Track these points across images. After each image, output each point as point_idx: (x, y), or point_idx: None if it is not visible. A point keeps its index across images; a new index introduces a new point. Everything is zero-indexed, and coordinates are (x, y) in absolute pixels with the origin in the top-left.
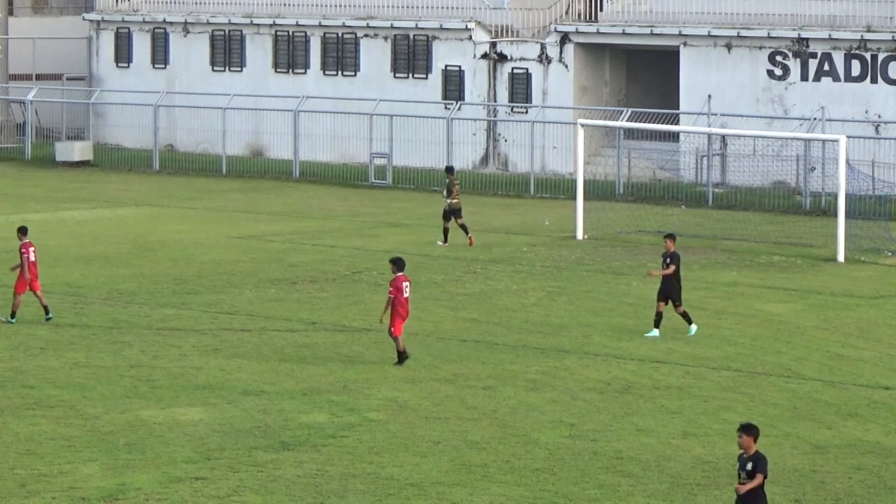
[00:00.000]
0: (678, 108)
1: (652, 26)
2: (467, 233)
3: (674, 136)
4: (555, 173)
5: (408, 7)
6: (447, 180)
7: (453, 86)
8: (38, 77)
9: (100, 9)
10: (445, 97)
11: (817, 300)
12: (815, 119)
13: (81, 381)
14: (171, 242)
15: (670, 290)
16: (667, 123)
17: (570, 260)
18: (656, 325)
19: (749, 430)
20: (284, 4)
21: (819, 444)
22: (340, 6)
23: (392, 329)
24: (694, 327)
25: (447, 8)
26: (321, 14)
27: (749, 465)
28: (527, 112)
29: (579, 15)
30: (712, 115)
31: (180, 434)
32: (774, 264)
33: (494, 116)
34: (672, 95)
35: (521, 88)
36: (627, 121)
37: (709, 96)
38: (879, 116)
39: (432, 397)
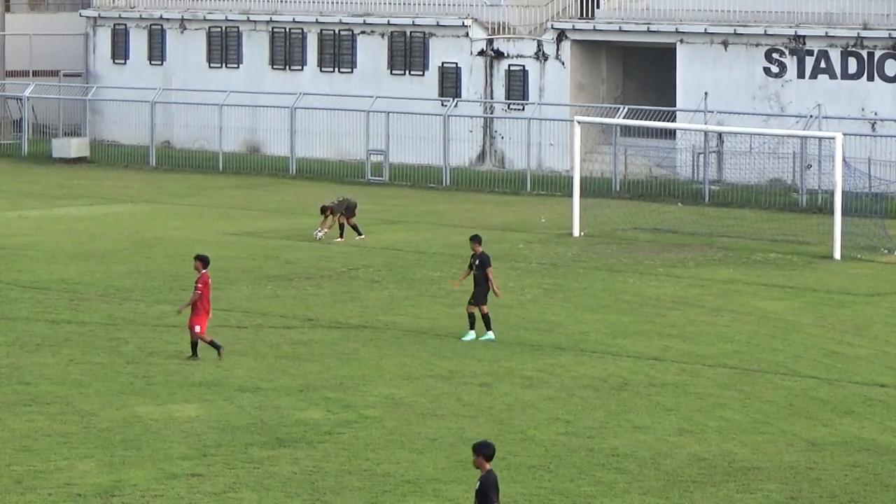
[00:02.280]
0: (675, 106)
1: (648, 24)
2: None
3: (670, 134)
4: (551, 170)
5: (404, 4)
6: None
7: (450, 83)
8: (35, 73)
9: (96, 5)
10: (442, 94)
11: (813, 298)
12: (811, 116)
13: (78, 378)
14: (167, 239)
15: (478, 291)
16: (663, 121)
17: (566, 257)
18: (471, 327)
19: (478, 449)
20: (281, 1)
21: (815, 442)
22: (337, 3)
23: (197, 326)
24: (490, 334)
25: (444, 5)
26: (318, 11)
27: (478, 485)
28: (523, 109)
29: (576, 12)
30: (709, 112)
31: (176, 431)
32: (771, 262)
33: (491, 113)
34: (668, 93)
35: (517, 86)
36: (624, 118)
37: (705, 94)
38: (876, 114)
39: (428, 394)
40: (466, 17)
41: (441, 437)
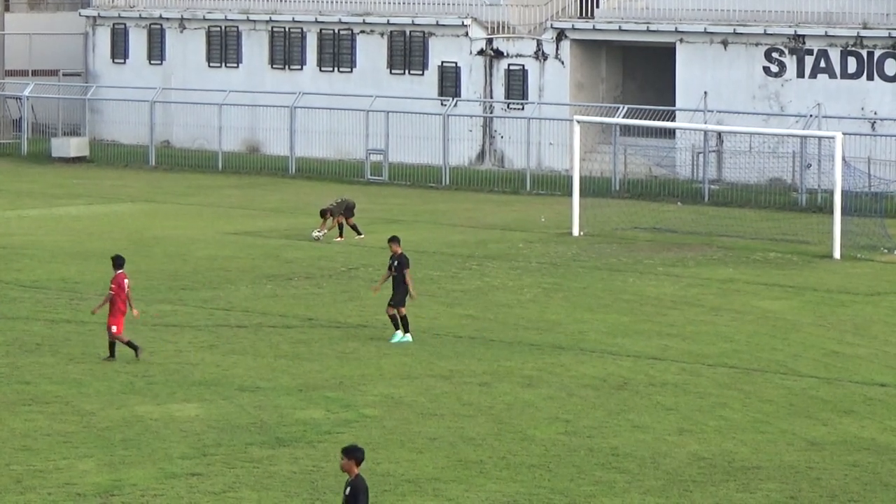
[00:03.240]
0: (674, 105)
1: (648, 23)
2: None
3: (670, 133)
4: (551, 170)
5: (404, 3)
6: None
7: (449, 82)
8: (35, 73)
9: (96, 5)
10: (442, 94)
11: (813, 297)
12: (811, 116)
13: (77, 378)
14: (166, 238)
15: (396, 294)
16: (663, 120)
17: (566, 256)
18: (396, 328)
19: (350, 452)
20: (281, 0)
21: (815, 441)
22: (337, 2)
23: (114, 326)
24: (408, 337)
25: (443, 4)
26: (317, 10)
27: (348, 490)
28: (523, 109)
29: (575, 12)
30: (708, 111)
31: (176, 430)
32: (770, 261)
33: (491, 113)
34: (668, 92)
35: (517, 85)
36: (623, 118)
37: (705, 93)
38: (875, 113)
39: (428, 393)
40: (466, 17)
41: (441, 436)
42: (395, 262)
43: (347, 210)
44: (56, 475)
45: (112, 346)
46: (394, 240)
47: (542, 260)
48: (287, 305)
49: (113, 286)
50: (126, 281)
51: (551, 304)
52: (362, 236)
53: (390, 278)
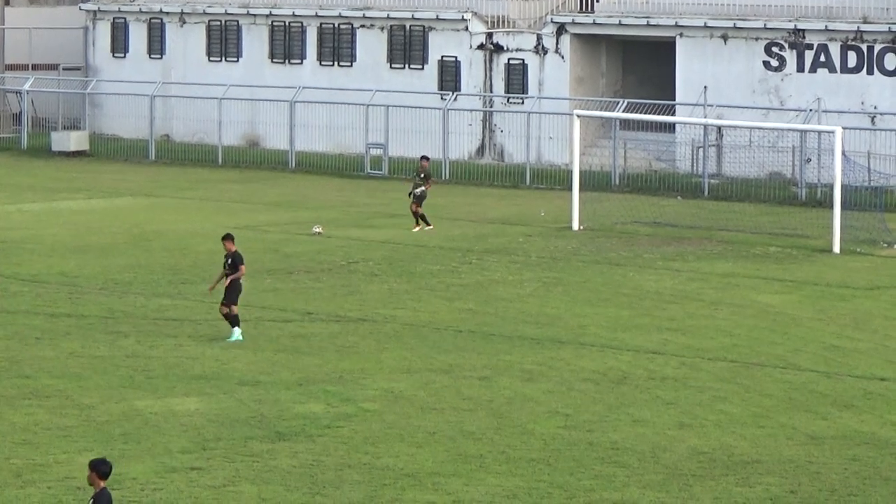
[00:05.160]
0: (674, 100)
1: (648, 17)
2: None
3: (670, 127)
4: (551, 164)
5: None
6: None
7: (449, 76)
8: (35, 67)
9: None
10: (441, 88)
11: (813, 291)
12: (811, 110)
13: (77, 371)
14: (166, 232)
15: (230, 292)
16: (663, 114)
17: (565, 250)
18: (235, 324)
19: (94, 466)
20: None
21: (814, 435)
22: None
23: None
24: (237, 332)
25: None
26: (317, 4)
27: (91, 502)
28: (523, 103)
29: (575, 6)
30: (708, 106)
31: (176, 424)
32: (770, 255)
33: (490, 107)
34: (668, 86)
35: (517, 79)
36: (623, 112)
37: (705, 87)
38: (875, 108)
39: (428, 388)
40: (466, 11)
41: (440, 430)
42: (229, 260)
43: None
44: (56, 469)
45: None
46: (227, 237)
47: (542, 254)
48: (287, 299)
49: None
50: None
51: (551, 298)
52: (430, 227)
53: (223, 277)
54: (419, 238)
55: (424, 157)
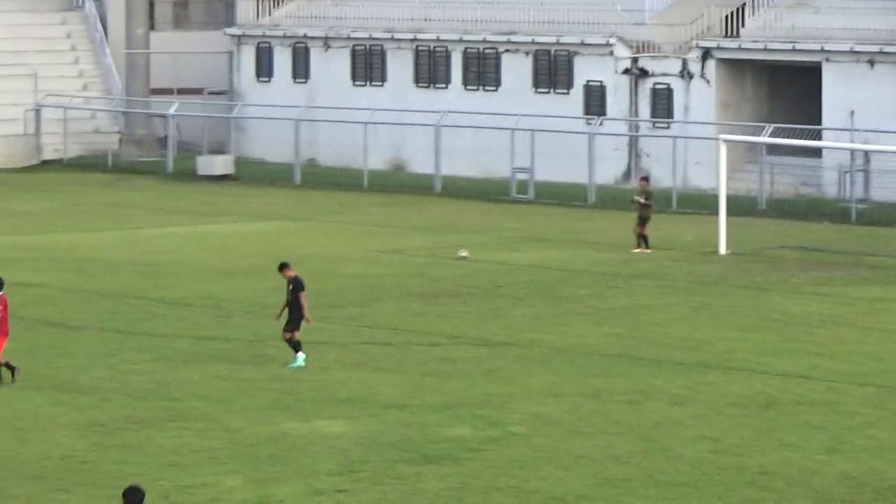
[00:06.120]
0: (821, 124)
1: (794, 42)
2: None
3: (816, 152)
4: (697, 188)
5: (549, 23)
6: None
7: (595, 101)
8: (180, 91)
9: (241, 23)
10: (587, 112)
11: None
12: None
13: (224, 394)
14: (312, 256)
15: (291, 318)
16: (809, 139)
17: (712, 275)
18: (298, 350)
19: (125, 495)
20: (425, 19)
21: None
22: (482, 21)
23: None
24: (300, 357)
25: (589, 23)
26: (462, 29)
27: None
28: (668, 127)
29: (721, 31)
30: (855, 130)
31: (323, 447)
32: None
33: (636, 132)
34: (815, 111)
35: (662, 104)
36: (770, 136)
37: (851, 112)
38: None
39: (575, 411)
40: (611, 36)
41: (588, 454)
42: (291, 287)
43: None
44: (203, 491)
45: None
46: (284, 266)
47: (689, 278)
48: (433, 323)
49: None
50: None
51: (698, 322)
52: (648, 251)
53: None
54: (565, 262)
55: (644, 178)
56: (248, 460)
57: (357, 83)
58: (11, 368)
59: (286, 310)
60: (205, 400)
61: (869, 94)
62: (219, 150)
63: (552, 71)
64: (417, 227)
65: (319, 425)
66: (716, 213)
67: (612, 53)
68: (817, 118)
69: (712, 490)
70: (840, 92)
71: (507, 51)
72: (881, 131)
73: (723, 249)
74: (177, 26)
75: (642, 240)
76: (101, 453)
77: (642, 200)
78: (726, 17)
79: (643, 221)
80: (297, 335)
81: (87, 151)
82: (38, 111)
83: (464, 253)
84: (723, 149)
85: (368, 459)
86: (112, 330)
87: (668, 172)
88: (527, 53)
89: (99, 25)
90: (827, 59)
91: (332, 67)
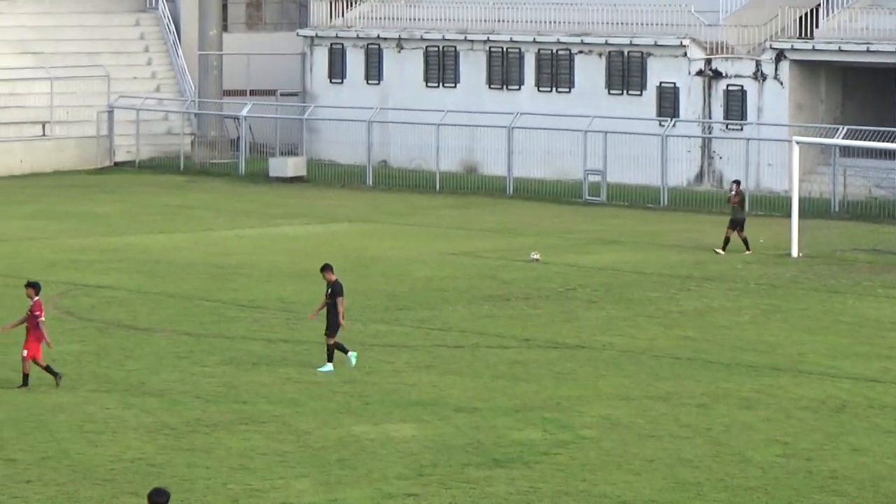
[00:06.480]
0: (895, 126)
1: (868, 43)
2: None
3: (890, 154)
4: (770, 190)
5: (622, 24)
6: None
7: (668, 102)
8: (252, 93)
9: (314, 25)
10: (660, 114)
11: None
12: None
13: (294, 397)
14: (384, 258)
15: (331, 323)
16: (884, 141)
17: (784, 278)
18: (342, 352)
19: (150, 497)
20: (499, 21)
21: None
22: (555, 23)
23: (25, 351)
24: (329, 366)
25: (662, 25)
26: (535, 31)
27: None
28: (742, 129)
29: (795, 32)
30: None
31: (392, 450)
32: None
33: (709, 133)
34: (889, 113)
35: (735, 105)
36: (843, 138)
37: None
38: None
39: (646, 415)
40: (685, 37)
41: (658, 458)
42: (329, 290)
43: (734, 223)
44: (273, 495)
45: (26, 376)
46: (326, 268)
47: (761, 281)
48: (504, 326)
49: (38, 313)
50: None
51: (770, 325)
52: (748, 252)
53: (325, 307)
54: (637, 265)
55: (736, 181)
56: (318, 464)
57: (430, 84)
58: (54, 374)
59: (324, 312)
60: (275, 403)
61: None
62: (291, 151)
63: (625, 72)
64: (489, 230)
65: (389, 429)
66: (788, 215)
67: (685, 55)
68: (891, 120)
69: (782, 494)
70: None
71: (580, 52)
72: None
73: (795, 252)
74: (250, 27)
75: (744, 242)
76: (170, 456)
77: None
78: (800, 18)
79: (735, 225)
80: (331, 341)
81: (159, 153)
82: (110, 113)
83: (535, 255)
84: (796, 151)
85: (438, 463)
86: (182, 332)
87: (741, 174)
88: (600, 55)
89: (172, 27)
90: None
91: (404, 69)
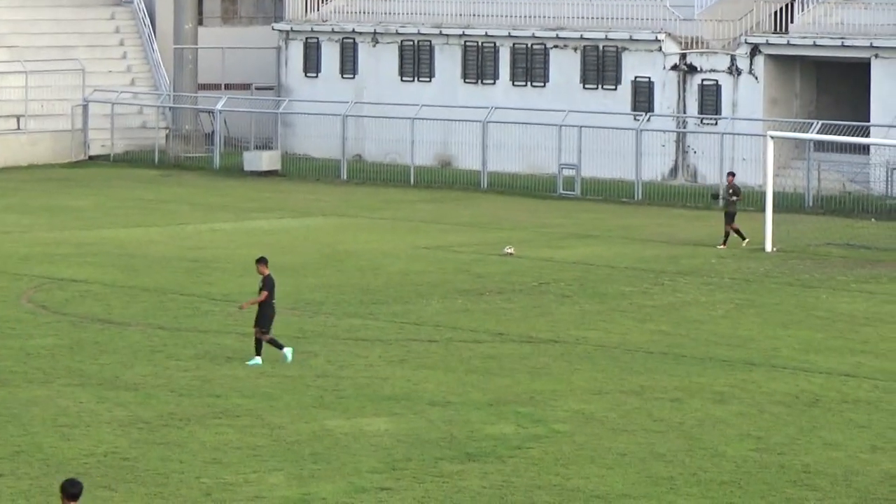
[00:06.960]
0: (869, 121)
1: (843, 38)
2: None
3: (864, 149)
4: (744, 185)
5: (597, 18)
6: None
7: (643, 97)
8: (227, 87)
9: (289, 19)
10: (635, 108)
11: None
12: None
13: (267, 391)
14: (358, 252)
15: (261, 316)
16: (857, 136)
17: (758, 272)
18: (257, 353)
19: (63, 488)
20: (474, 15)
21: None
22: (530, 17)
23: None
24: (258, 360)
25: (637, 19)
26: (510, 25)
27: None
28: (716, 124)
29: (770, 27)
30: None
31: (366, 444)
32: None
33: (684, 128)
34: (863, 108)
35: (710, 100)
36: (818, 133)
37: None
38: None
39: (619, 409)
40: (660, 32)
41: (631, 452)
42: (261, 284)
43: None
44: (245, 488)
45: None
46: (261, 261)
47: (735, 276)
48: (478, 320)
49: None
50: None
51: (743, 320)
52: (747, 240)
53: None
54: (611, 259)
55: (731, 173)
56: (291, 458)
57: (405, 79)
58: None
59: (256, 307)
60: (248, 397)
61: None
62: (266, 145)
63: (600, 67)
64: (463, 224)
65: (362, 423)
66: (762, 209)
67: (660, 49)
68: (865, 115)
69: (755, 489)
70: (889, 88)
71: (555, 47)
72: None
73: (769, 246)
74: (225, 21)
75: (737, 234)
76: (144, 450)
77: (733, 198)
78: (775, 12)
79: (730, 218)
80: (258, 333)
81: (134, 147)
82: (85, 106)
83: (509, 249)
84: (770, 145)
85: (411, 457)
86: (157, 326)
87: (715, 169)
88: (575, 49)
89: (147, 20)
90: (876, 56)
91: (379, 63)
